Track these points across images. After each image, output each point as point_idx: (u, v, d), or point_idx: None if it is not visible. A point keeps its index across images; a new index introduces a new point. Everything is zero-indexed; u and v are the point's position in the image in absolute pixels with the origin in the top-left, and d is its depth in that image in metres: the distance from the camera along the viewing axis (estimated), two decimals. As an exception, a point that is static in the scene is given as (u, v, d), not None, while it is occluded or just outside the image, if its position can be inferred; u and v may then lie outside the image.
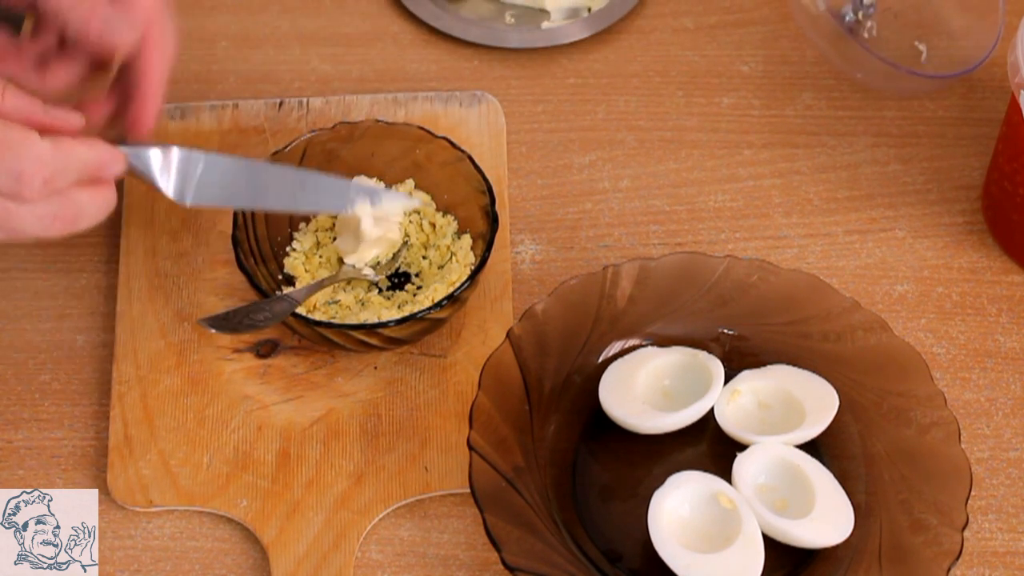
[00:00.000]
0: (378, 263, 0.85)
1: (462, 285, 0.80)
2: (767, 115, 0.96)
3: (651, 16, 1.01)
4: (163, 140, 0.92)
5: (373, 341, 0.80)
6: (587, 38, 0.99)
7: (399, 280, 0.86)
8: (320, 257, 0.86)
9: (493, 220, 0.82)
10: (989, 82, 0.97)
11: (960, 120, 0.96)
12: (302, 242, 0.86)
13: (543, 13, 1.00)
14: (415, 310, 0.81)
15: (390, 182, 0.87)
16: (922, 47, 0.96)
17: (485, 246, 0.82)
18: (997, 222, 0.89)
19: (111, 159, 0.69)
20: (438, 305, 0.79)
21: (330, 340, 0.80)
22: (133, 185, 0.90)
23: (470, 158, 0.84)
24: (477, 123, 0.93)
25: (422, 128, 0.86)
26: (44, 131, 0.66)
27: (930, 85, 0.95)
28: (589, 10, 1.00)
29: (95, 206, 0.69)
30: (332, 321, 0.82)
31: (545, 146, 0.94)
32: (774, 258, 0.88)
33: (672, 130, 0.95)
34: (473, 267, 0.83)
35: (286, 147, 0.85)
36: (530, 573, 0.71)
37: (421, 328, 0.81)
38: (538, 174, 0.93)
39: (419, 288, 0.85)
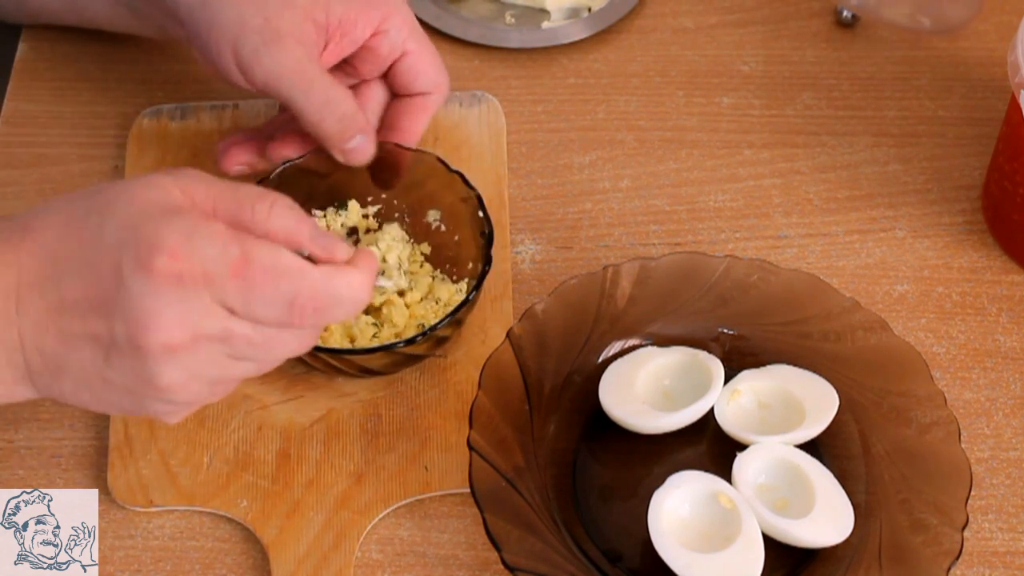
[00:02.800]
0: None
1: (440, 322, 0.78)
2: (767, 115, 0.96)
3: (651, 16, 1.01)
4: (164, 140, 0.93)
5: (348, 369, 0.79)
6: (587, 38, 0.99)
7: None
8: None
9: (486, 261, 0.80)
10: (989, 82, 0.97)
11: (960, 120, 0.96)
12: None
13: (543, 13, 1.00)
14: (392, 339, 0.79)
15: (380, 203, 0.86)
16: (924, 19, 0.96)
17: (477, 277, 0.80)
18: (997, 222, 0.89)
19: (366, 292, 0.67)
20: (411, 340, 0.77)
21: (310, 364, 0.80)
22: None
23: (462, 177, 0.82)
24: (477, 123, 0.93)
25: (419, 149, 0.84)
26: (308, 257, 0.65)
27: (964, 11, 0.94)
28: (589, 10, 1.00)
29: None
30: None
31: (545, 146, 0.94)
32: (774, 258, 0.88)
33: (672, 130, 0.95)
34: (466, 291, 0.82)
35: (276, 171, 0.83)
36: (530, 573, 0.71)
37: (400, 360, 0.80)
38: (538, 174, 0.93)
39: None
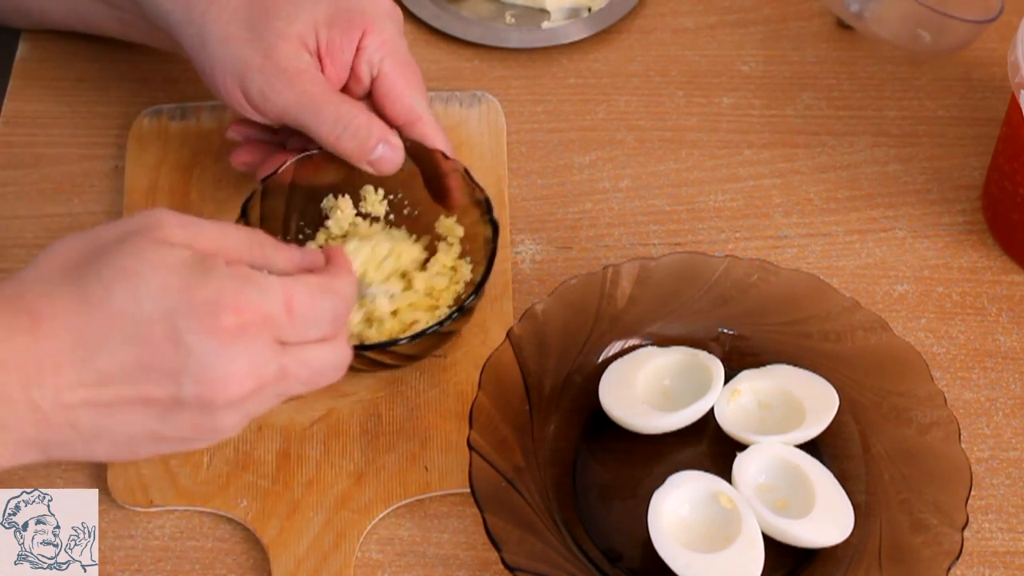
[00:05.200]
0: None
1: (469, 296, 0.79)
2: (767, 115, 0.96)
3: (651, 16, 1.01)
4: (164, 140, 0.93)
5: (386, 360, 0.80)
6: (587, 38, 0.99)
7: None
8: None
9: (494, 231, 0.80)
10: (989, 82, 0.97)
11: (960, 120, 0.96)
12: None
13: (543, 13, 1.00)
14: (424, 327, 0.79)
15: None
16: (924, 33, 0.96)
17: (488, 256, 0.80)
18: (997, 222, 0.89)
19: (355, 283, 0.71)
20: (449, 318, 0.78)
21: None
22: (133, 200, 0.90)
23: (465, 170, 0.83)
24: (477, 123, 0.93)
25: (413, 141, 0.84)
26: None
27: (966, 33, 0.94)
28: (589, 10, 1.00)
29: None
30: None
31: (545, 146, 0.94)
32: (774, 258, 0.88)
33: (672, 130, 0.95)
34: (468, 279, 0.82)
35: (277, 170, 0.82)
36: (530, 573, 0.71)
37: (431, 344, 0.81)
38: (538, 174, 0.93)
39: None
